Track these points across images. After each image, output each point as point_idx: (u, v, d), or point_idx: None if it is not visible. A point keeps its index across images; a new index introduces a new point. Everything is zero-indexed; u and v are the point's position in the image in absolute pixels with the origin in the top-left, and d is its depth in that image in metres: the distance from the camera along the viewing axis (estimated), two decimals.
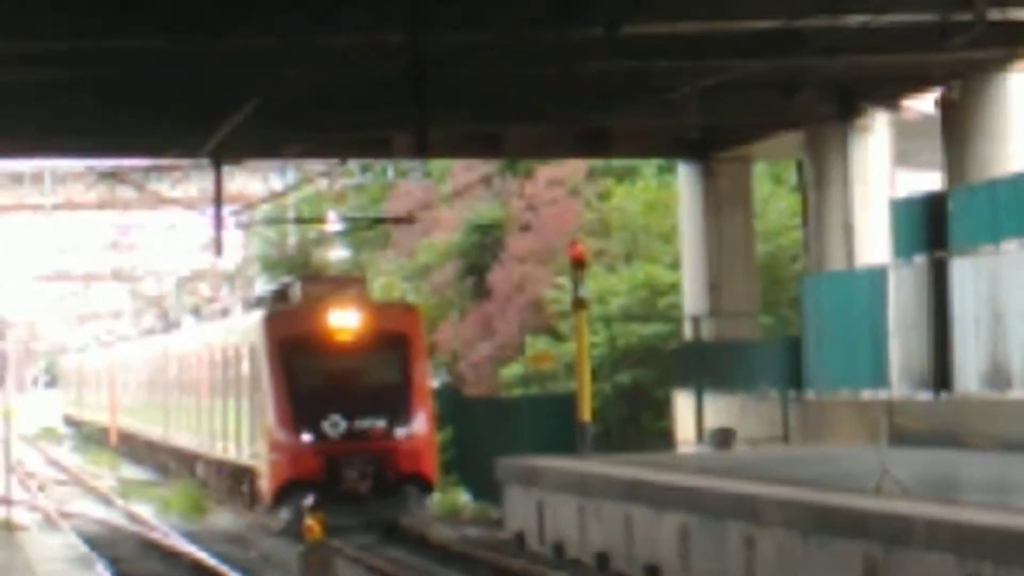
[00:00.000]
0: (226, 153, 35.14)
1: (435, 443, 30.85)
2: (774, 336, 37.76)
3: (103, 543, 29.15)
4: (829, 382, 32.69)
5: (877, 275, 31.70)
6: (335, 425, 29.38)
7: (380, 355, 31.01)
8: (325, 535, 26.32)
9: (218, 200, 37.54)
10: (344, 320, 30.79)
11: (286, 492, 29.23)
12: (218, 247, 44.79)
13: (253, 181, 60.82)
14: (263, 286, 58.70)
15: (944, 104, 30.10)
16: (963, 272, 28.96)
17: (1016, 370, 26.86)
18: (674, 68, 29.24)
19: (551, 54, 27.97)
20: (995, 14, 23.63)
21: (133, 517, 36.42)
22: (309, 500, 29.12)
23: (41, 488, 45.24)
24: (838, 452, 27.09)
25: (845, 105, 32.12)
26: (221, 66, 28.05)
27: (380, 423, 29.59)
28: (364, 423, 29.57)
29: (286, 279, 39.56)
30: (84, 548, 24.23)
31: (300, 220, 61.36)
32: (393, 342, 31.03)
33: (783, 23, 24.57)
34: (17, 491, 38.38)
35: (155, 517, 36.16)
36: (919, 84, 30.86)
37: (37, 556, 24.71)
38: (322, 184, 55.88)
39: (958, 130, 29.70)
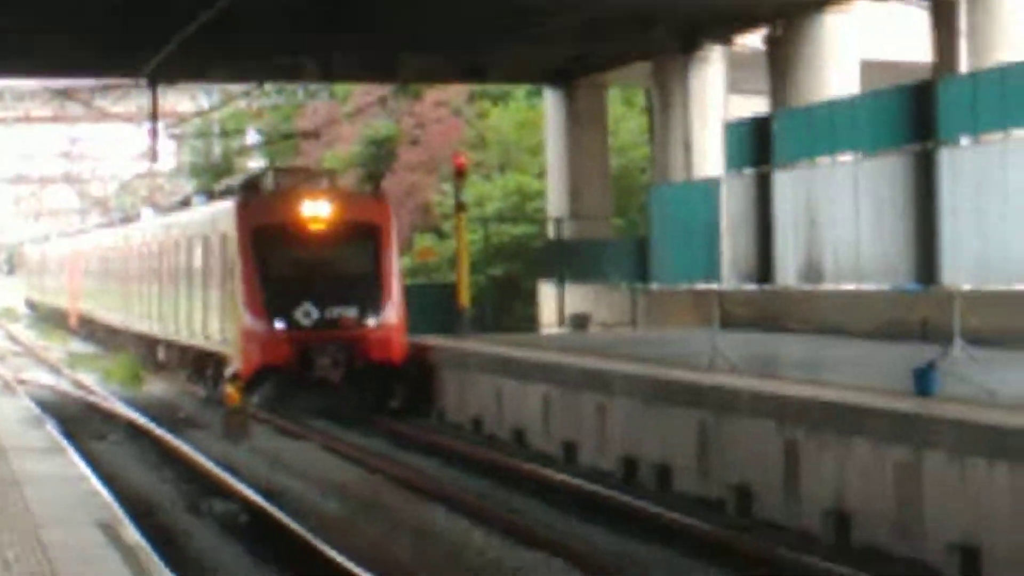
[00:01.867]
0: (161, 75, 33.93)
1: (405, 332, 26.66)
2: (625, 236, 38.01)
3: (53, 406, 28.13)
4: (670, 276, 32.70)
5: (712, 186, 31.24)
6: (307, 314, 25.58)
7: (352, 245, 26.97)
8: (243, 402, 25.73)
9: (154, 116, 37.20)
10: (317, 210, 26.73)
11: (258, 378, 25.85)
12: (153, 155, 44.83)
13: (184, 99, 59.60)
14: (192, 189, 57.50)
15: (770, 40, 30.10)
16: (784, 183, 28.74)
17: (827, 267, 26.93)
18: (543, 6, 28.87)
19: None
20: None
21: (79, 384, 34.98)
22: (230, 370, 27.83)
23: None
24: (677, 335, 27.20)
25: (687, 41, 32.02)
26: None
27: (351, 312, 25.78)
28: (336, 312, 25.75)
29: (258, 170, 34.69)
30: (36, 410, 23.37)
31: (224, 133, 60.84)
32: (365, 232, 26.95)
33: None
34: None
35: (98, 385, 34.65)
36: (750, 23, 30.85)
37: None
38: (242, 103, 54.28)
39: (781, 62, 29.78)
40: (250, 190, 29.46)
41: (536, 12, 29.16)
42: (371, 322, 25.79)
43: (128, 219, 49.79)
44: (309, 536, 14.26)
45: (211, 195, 34.84)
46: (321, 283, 26.10)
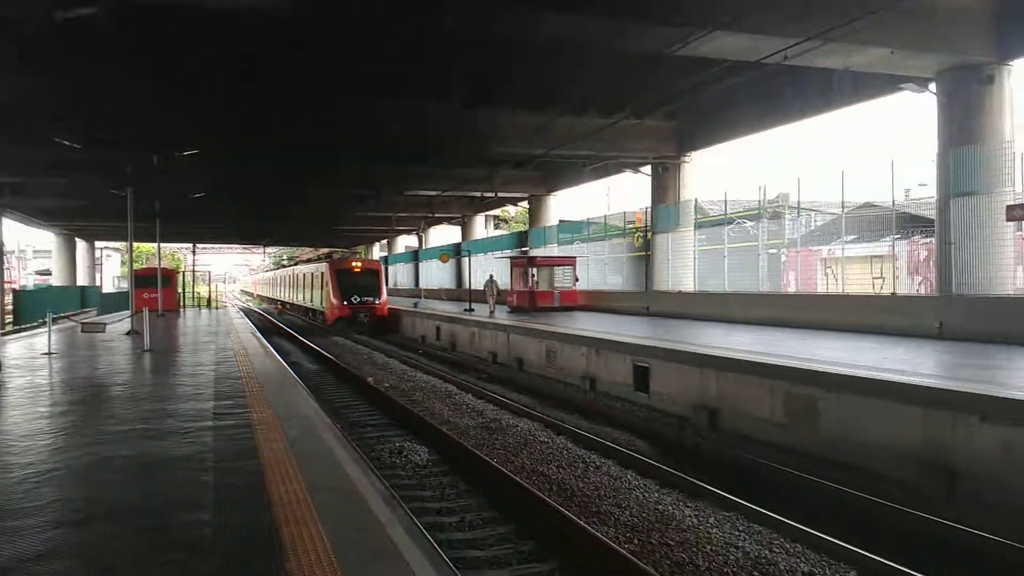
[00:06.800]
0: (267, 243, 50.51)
1: (387, 304, 31.58)
2: None
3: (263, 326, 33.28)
4: None
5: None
6: (356, 299, 30.94)
7: (369, 276, 31.80)
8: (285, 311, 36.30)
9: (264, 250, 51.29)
10: (357, 265, 32.41)
11: (336, 321, 31.17)
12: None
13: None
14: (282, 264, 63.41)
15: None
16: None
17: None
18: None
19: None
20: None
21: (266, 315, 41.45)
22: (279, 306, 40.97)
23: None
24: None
25: None
26: None
27: (370, 298, 31.00)
28: (366, 298, 30.99)
29: (333, 252, 41.37)
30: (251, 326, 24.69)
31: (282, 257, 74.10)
32: (373, 271, 32.06)
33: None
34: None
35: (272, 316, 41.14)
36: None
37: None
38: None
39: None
40: (328, 258, 36.59)
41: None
42: (377, 302, 31.06)
43: (287, 267, 53.68)
44: (333, 358, 19.88)
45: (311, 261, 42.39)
46: (360, 288, 31.35)
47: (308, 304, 37.57)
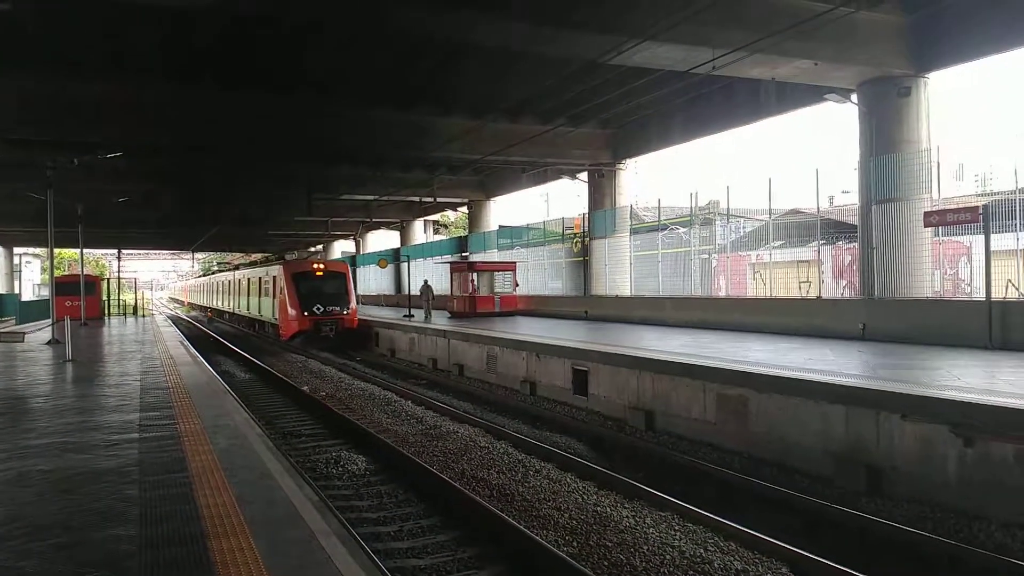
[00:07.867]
0: (195, 250, 50.59)
1: (357, 314, 26.51)
2: None
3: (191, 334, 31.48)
4: None
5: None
6: (318, 309, 25.49)
7: (335, 280, 26.56)
8: (215, 319, 33.49)
9: (192, 258, 53.84)
10: (319, 267, 26.90)
11: (294, 336, 25.70)
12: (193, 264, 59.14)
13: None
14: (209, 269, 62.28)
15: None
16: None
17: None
18: None
19: None
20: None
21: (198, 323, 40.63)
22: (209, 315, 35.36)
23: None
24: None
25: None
26: None
27: (336, 308, 25.73)
28: (330, 308, 25.62)
29: (287, 254, 36.51)
30: (183, 338, 23.84)
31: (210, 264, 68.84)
32: (339, 275, 26.74)
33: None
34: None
35: (202, 324, 39.59)
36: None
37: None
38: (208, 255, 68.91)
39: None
40: (286, 260, 30.49)
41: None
42: (345, 312, 25.86)
43: (220, 272, 47.75)
44: (267, 367, 18.85)
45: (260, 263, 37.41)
46: (323, 296, 26.07)
47: (255, 315, 31.44)
